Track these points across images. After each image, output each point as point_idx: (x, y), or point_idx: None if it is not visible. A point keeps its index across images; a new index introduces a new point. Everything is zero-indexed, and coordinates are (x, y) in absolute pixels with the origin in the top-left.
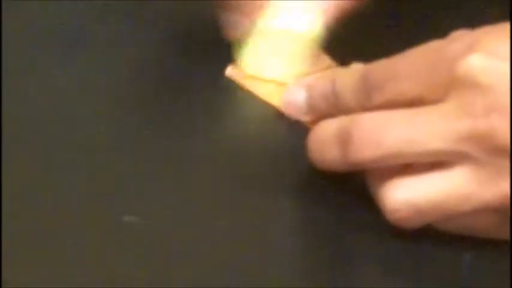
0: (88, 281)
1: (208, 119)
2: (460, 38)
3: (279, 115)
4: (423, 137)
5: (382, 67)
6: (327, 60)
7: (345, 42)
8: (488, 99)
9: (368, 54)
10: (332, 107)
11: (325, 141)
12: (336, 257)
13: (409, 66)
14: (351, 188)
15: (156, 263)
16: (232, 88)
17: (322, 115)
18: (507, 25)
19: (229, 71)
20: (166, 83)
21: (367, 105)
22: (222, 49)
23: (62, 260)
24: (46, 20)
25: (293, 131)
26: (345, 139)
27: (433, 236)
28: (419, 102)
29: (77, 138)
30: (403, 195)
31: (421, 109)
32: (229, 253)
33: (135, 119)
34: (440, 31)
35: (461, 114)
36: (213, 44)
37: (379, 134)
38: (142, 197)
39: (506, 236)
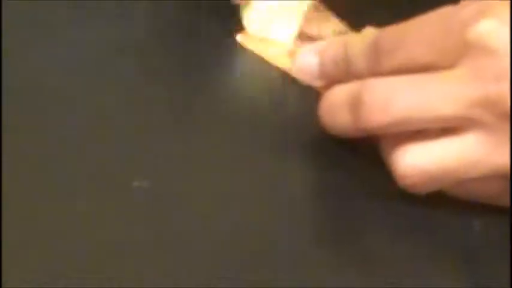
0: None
1: (219, 84)
2: (471, 4)
3: (290, 80)
4: (434, 102)
5: (393, 32)
6: (338, 23)
7: (358, 7)
8: (499, 64)
9: (380, 19)
10: (343, 72)
11: (336, 106)
12: (346, 223)
13: (421, 31)
14: (363, 154)
15: (165, 226)
16: (244, 53)
17: (333, 80)
18: None
19: (241, 37)
20: (176, 45)
21: (378, 70)
22: (235, 12)
23: (69, 225)
24: None
25: (304, 95)
26: (355, 104)
27: (443, 203)
28: (430, 68)
29: (86, 102)
30: (413, 161)
31: (432, 75)
32: (239, 217)
33: (143, 80)
34: None
35: (472, 80)
36: (226, 6)
37: (390, 99)
38: (152, 161)
39: None
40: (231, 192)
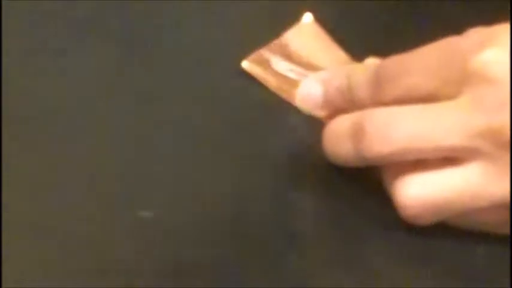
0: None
1: (222, 113)
2: (474, 34)
3: (294, 109)
4: (436, 132)
5: (395, 62)
6: (341, 53)
7: (360, 36)
8: (501, 94)
9: (383, 50)
10: (347, 101)
11: (338, 136)
12: (346, 251)
13: (423, 61)
14: (366, 183)
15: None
16: (248, 81)
17: (337, 110)
18: None
19: (246, 64)
20: (181, 70)
21: (380, 99)
22: (241, 42)
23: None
24: None
25: (308, 125)
26: (357, 134)
27: (447, 230)
28: (432, 97)
29: (98, 126)
30: (415, 192)
31: (433, 105)
32: (240, 239)
33: (148, 108)
34: (456, 29)
35: (474, 111)
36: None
37: (391, 128)
38: (158, 193)
39: None
40: (232, 218)
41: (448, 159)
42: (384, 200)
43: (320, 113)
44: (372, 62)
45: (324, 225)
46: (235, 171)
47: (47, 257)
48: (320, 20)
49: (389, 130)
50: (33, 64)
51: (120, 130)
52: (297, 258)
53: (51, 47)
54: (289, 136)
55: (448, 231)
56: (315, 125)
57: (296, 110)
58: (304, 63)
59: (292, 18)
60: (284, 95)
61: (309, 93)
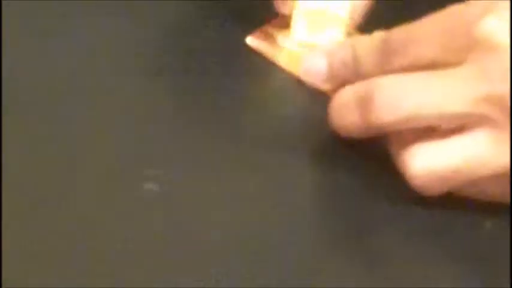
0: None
1: (228, 87)
2: (477, 3)
3: (298, 83)
4: (442, 99)
5: (402, 32)
6: (347, 26)
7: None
8: (506, 60)
9: (388, 23)
10: (352, 73)
11: (345, 106)
12: (354, 224)
13: (429, 30)
14: (372, 155)
15: (172, 226)
16: (253, 56)
17: (342, 82)
18: None
19: (250, 40)
20: (185, 45)
21: (387, 69)
22: (247, 16)
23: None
24: None
25: (313, 99)
26: (365, 102)
27: (453, 203)
28: (438, 65)
29: (101, 102)
30: (424, 162)
31: (440, 72)
32: (247, 218)
33: (156, 84)
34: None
35: (480, 77)
36: (238, 10)
37: (400, 96)
38: (163, 166)
39: None
40: (239, 194)
41: (457, 128)
42: (391, 173)
43: (325, 86)
44: (377, 34)
45: (329, 197)
46: (240, 145)
47: (50, 239)
48: None
49: (398, 98)
50: (34, 43)
51: (125, 104)
52: (299, 235)
53: (52, 25)
54: (294, 110)
55: (455, 205)
56: (320, 99)
57: (301, 84)
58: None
59: None
60: (289, 69)
61: (313, 66)
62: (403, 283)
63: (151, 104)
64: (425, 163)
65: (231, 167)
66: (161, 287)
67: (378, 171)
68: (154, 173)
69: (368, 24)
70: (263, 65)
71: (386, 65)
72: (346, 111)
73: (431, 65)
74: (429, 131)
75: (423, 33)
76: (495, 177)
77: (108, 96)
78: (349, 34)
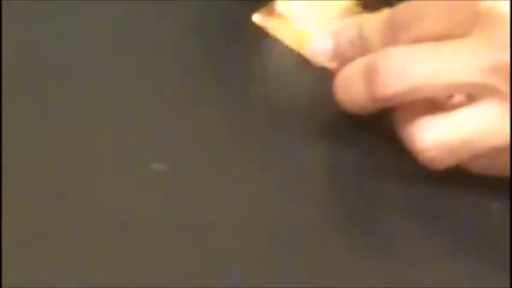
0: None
1: (235, 66)
2: None
3: (305, 61)
4: (448, 69)
5: (407, 7)
6: (352, 4)
7: None
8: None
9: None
10: (358, 51)
11: (350, 80)
12: (361, 203)
13: (433, 5)
14: (379, 133)
15: (181, 207)
16: (260, 34)
17: (348, 61)
18: None
19: (257, 18)
20: (191, 24)
21: (393, 45)
22: None
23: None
24: None
25: (319, 78)
26: (370, 74)
27: (461, 183)
28: (445, 38)
29: (105, 84)
30: (433, 134)
31: (446, 43)
32: (254, 197)
33: (161, 62)
34: None
35: (486, 48)
36: None
37: (405, 67)
38: (170, 141)
39: None
40: (246, 173)
41: (464, 102)
42: (398, 152)
43: (332, 65)
44: (383, 12)
45: (335, 176)
46: (246, 123)
47: (54, 222)
48: None
49: (404, 68)
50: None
51: (131, 84)
52: (306, 214)
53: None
54: (301, 88)
55: (463, 186)
56: (327, 77)
57: (308, 62)
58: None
59: None
60: (296, 47)
61: (320, 45)
62: (410, 263)
63: (158, 83)
64: (435, 135)
65: (238, 146)
66: (169, 268)
67: (385, 149)
68: (162, 152)
69: (375, 2)
70: (269, 43)
71: (392, 42)
72: (351, 84)
73: (438, 38)
74: (437, 104)
75: (428, 8)
76: (502, 149)
77: (114, 76)
78: (356, 13)
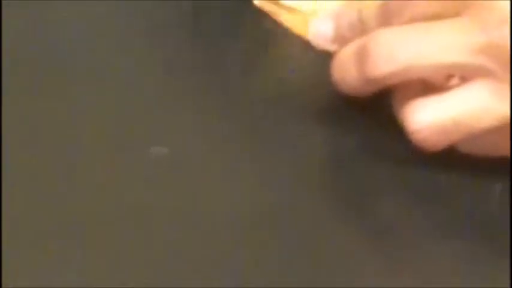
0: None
1: (236, 50)
2: None
3: (306, 45)
4: (438, 49)
5: None
6: None
7: None
8: (501, 11)
9: None
10: (358, 35)
11: (344, 62)
12: (363, 187)
13: None
14: (380, 116)
15: (183, 193)
16: (260, 17)
17: (348, 44)
18: None
19: (258, 1)
20: (195, 8)
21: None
22: None
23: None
24: None
25: (320, 60)
26: (362, 55)
27: (462, 167)
28: (435, 19)
29: (105, 66)
30: (425, 115)
31: (436, 23)
32: (256, 182)
33: (162, 47)
34: None
35: (475, 28)
36: None
37: (395, 47)
38: (170, 128)
39: None
40: (246, 156)
41: (457, 84)
42: (399, 135)
43: (332, 48)
44: None
45: (336, 160)
46: (246, 107)
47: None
48: None
49: (393, 48)
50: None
51: (133, 68)
52: (307, 198)
53: None
54: (300, 70)
55: (463, 168)
56: (328, 60)
57: (308, 45)
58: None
59: None
60: (297, 31)
61: (320, 28)
62: (410, 245)
63: (159, 66)
64: (426, 116)
65: (238, 130)
66: (172, 248)
67: (385, 133)
68: (162, 136)
69: None
70: (270, 26)
71: (386, 26)
72: (345, 66)
73: (429, 20)
74: (431, 86)
75: None
76: (496, 130)
77: (114, 58)
78: None
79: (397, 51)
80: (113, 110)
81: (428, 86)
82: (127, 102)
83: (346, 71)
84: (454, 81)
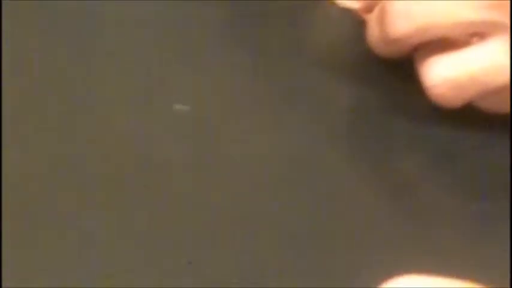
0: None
1: (261, 8)
2: None
3: (331, 4)
4: (454, 7)
5: None
6: None
7: None
8: None
9: None
10: None
11: (371, 23)
12: (384, 147)
13: None
14: (403, 75)
15: (206, 145)
16: None
17: (372, 2)
18: None
19: None
20: None
21: None
22: None
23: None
24: None
25: (345, 18)
26: (381, 15)
27: (483, 124)
28: None
29: (130, 26)
30: (441, 71)
31: None
32: (278, 137)
33: (188, 8)
34: None
35: None
36: None
37: (411, 7)
38: (193, 87)
39: None
40: (270, 115)
41: (474, 40)
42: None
43: (355, 5)
44: None
45: (359, 118)
46: (273, 66)
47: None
48: None
49: (409, 9)
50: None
51: (155, 27)
52: (330, 158)
53: None
54: (327, 29)
55: (484, 125)
56: (353, 18)
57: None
58: None
59: None
60: None
61: None
62: (427, 204)
63: (184, 25)
64: (443, 72)
65: (260, 87)
66: (188, 208)
67: (407, 90)
68: (185, 93)
69: None
70: None
71: None
72: (371, 29)
73: None
74: (449, 43)
75: None
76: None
77: (139, 18)
78: None
79: (413, 11)
80: (136, 66)
81: (451, 43)
82: (151, 57)
83: (371, 33)
84: (476, 39)
